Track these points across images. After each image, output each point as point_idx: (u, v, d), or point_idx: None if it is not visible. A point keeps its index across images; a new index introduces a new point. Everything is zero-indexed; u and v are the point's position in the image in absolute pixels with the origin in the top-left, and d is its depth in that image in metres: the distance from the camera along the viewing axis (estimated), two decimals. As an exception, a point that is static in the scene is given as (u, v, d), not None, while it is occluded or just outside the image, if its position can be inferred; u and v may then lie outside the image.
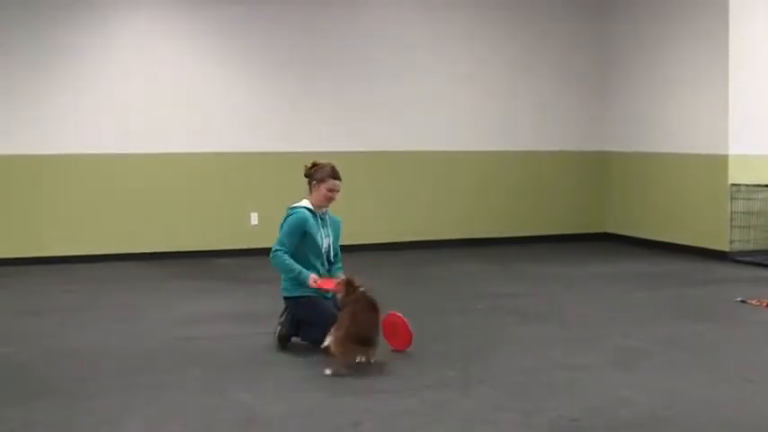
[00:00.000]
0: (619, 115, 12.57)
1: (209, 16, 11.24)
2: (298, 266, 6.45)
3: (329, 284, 6.39)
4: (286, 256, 6.47)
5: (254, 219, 11.42)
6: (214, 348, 6.62)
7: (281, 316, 6.66)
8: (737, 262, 10.45)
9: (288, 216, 6.60)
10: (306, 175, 6.68)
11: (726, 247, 10.67)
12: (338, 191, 6.66)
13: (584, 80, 12.74)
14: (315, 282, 6.40)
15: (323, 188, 6.60)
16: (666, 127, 11.68)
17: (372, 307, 5.98)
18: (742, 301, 8.15)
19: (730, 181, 10.62)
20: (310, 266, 6.52)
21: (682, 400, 5.25)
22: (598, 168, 12.84)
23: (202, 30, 11.26)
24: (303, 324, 6.58)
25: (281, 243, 6.51)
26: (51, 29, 10.73)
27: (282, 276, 6.61)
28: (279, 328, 6.60)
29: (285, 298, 6.62)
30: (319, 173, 6.60)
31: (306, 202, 6.65)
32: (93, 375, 5.92)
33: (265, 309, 7.62)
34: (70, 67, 10.81)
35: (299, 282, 6.45)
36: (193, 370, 6.00)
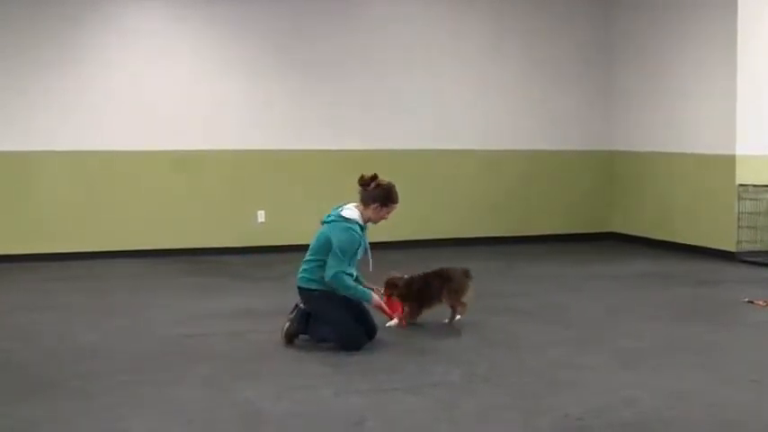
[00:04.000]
0: (626, 115, 12.54)
1: (217, 14, 11.24)
2: (359, 288, 6.52)
3: (395, 309, 6.86)
4: (349, 280, 6.44)
5: (261, 216, 11.43)
6: (219, 345, 6.63)
7: (291, 312, 6.66)
8: (744, 262, 10.42)
9: (343, 230, 6.47)
10: (362, 184, 6.62)
11: (733, 248, 10.65)
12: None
13: (591, 79, 12.70)
14: (378, 304, 6.61)
15: (384, 211, 6.63)
16: (674, 127, 11.65)
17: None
18: (749, 302, 8.13)
19: (738, 181, 10.59)
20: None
21: (686, 401, 5.25)
22: (605, 168, 12.81)
23: (209, 28, 11.26)
24: (313, 320, 6.58)
25: (341, 263, 6.39)
26: (55, 26, 10.74)
27: (303, 266, 6.58)
28: (287, 324, 6.60)
29: (300, 288, 6.58)
30: (384, 194, 6.59)
31: (356, 214, 6.58)
32: (96, 372, 5.93)
33: (271, 306, 7.64)
34: (76, 64, 10.81)
35: (360, 299, 6.56)
36: (198, 367, 6.01)
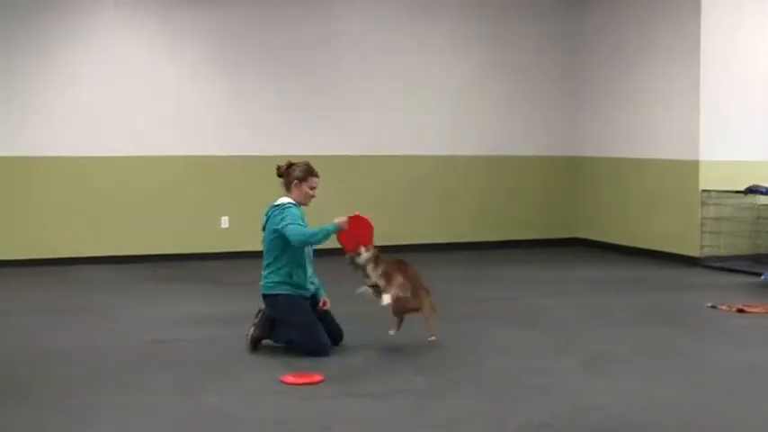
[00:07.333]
0: (590, 120, 12.61)
1: (184, 19, 11.17)
2: (322, 228, 6.43)
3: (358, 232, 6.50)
4: (308, 229, 6.42)
5: (225, 222, 11.37)
6: (186, 351, 6.58)
7: (255, 317, 6.63)
8: (708, 268, 10.50)
9: (280, 212, 6.51)
10: (280, 175, 6.70)
11: (696, 253, 10.73)
12: (317, 188, 6.69)
13: (556, 86, 12.76)
14: (344, 220, 6.45)
15: (305, 186, 6.62)
16: (638, 132, 11.73)
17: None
18: (712, 307, 8.18)
19: (701, 187, 10.67)
20: (299, 264, 6.51)
21: (654, 405, 5.26)
22: (570, 173, 12.87)
23: (175, 32, 11.18)
24: (278, 324, 6.55)
25: (296, 226, 6.40)
26: (34, 30, 10.65)
27: (263, 273, 6.59)
28: (252, 329, 6.57)
29: (264, 295, 6.59)
30: (299, 171, 6.63)
31: (286, 199, 6.63)
32: (64, 377, 5.86)
33: (237, 311, 7.58)
34: (48, 69, 10.72)
35: (329, 235, 6.41)
36: (165, 372, 5.96)
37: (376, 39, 11.93)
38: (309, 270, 6.66)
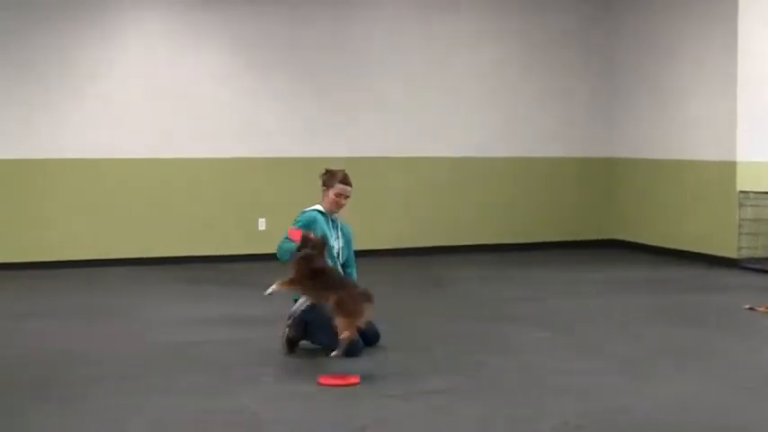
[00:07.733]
0: (626, 122, 12.55)
1: (220, 22, 11.28)
2: (286, 243, 6.43)
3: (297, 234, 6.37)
4: (284, 243, 6.46)
5: (262, 224, 11.43)
6: (219, 352, 6.63)
7: (289, 319, 6.67)
8: (746, 269, 10.41)
9: (300, 215, 6.71)
10: (321, 182, 6.81)
11: (734, 254, 10.64)
12: (347, 196, 6.78)
13: (591, 85, 12.70)
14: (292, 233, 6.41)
15: (331, 193, 6.73)
16: (675, 133, 11.66)
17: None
18: (750, 309, 8.12)
19: (738, 188, 10.59)
20: None
21: (685, 407, 5.24)
22: (605, 175, 12.81)
23: (210, 35, 11.29)
24: (311, 327, 6.60)
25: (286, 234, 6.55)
26: (51, 33, 10.78)
27: None
28: (286, 330, 6.62)
29: (296, 300, 6.64)
30: (330, 179, 6.74)
31: (317, 206, 6.77)
32: (91, 378, 5.93)
33: (271, 313, 7.61)
34: (74, 70, 10.86)
35: (289, 251, 6.32)
36: (197, 373, 6.02)
37: (409, 40, 11.95)
38: (351, 271, 6.80)
